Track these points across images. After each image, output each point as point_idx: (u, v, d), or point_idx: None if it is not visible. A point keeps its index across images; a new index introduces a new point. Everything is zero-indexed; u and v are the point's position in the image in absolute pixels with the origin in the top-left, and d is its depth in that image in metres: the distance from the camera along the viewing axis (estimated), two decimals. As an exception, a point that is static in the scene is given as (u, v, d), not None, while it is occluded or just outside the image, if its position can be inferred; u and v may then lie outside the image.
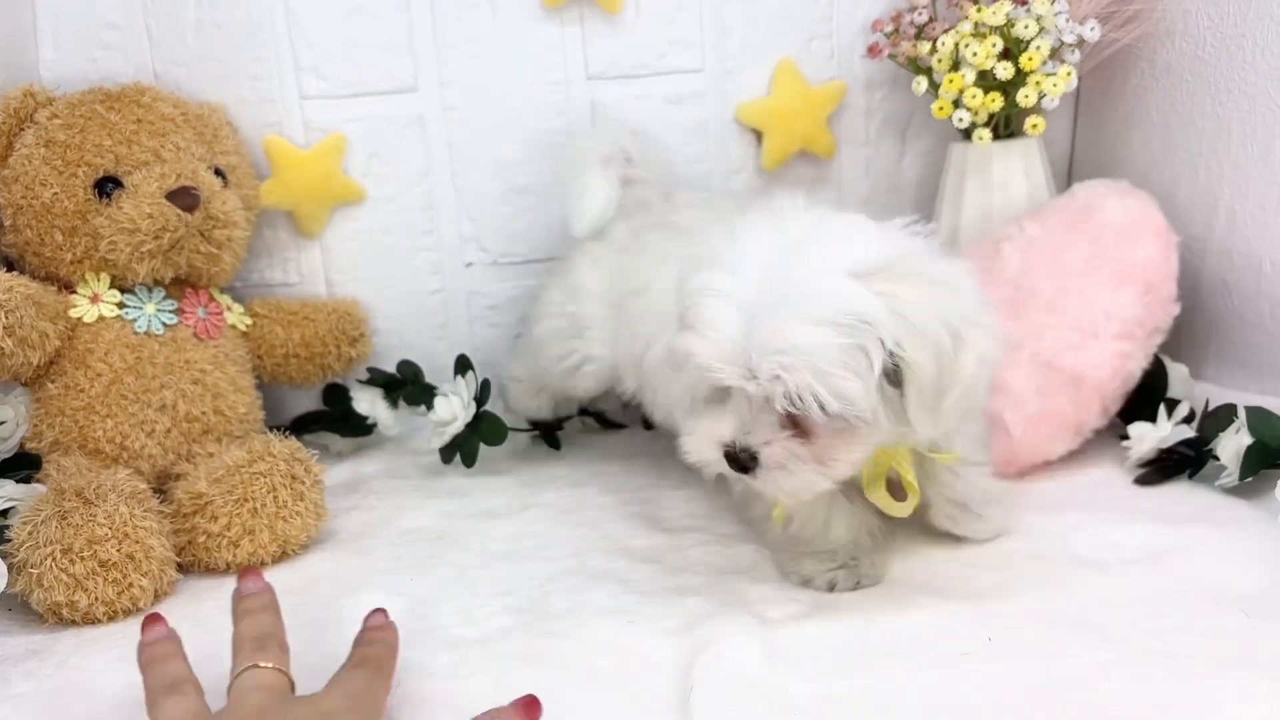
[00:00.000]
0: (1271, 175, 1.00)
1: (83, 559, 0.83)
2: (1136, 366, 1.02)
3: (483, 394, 1.13)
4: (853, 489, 0.86)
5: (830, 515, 0.87)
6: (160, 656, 0.66)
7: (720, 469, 0.78)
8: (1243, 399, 1.00)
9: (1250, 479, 0.92)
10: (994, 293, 1.02)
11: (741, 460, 0.76)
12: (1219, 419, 0.98)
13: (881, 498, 0.84)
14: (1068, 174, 1.33)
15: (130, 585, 0.85)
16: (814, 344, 0.71)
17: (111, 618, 0.85)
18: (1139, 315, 1.00)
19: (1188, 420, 1.01)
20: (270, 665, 0.65)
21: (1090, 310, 0.99)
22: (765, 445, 0.76)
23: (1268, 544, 0.83)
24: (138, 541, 0.86)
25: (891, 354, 0.72)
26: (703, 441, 0.78)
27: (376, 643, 0.71)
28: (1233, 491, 0.93)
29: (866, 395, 0.72)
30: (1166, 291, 1.02)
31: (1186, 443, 0.99)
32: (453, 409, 1.12)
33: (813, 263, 0.73)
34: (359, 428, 1.24)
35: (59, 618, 0.85)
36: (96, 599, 0.84)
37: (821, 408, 0.71)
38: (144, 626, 0.69)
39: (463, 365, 1.16)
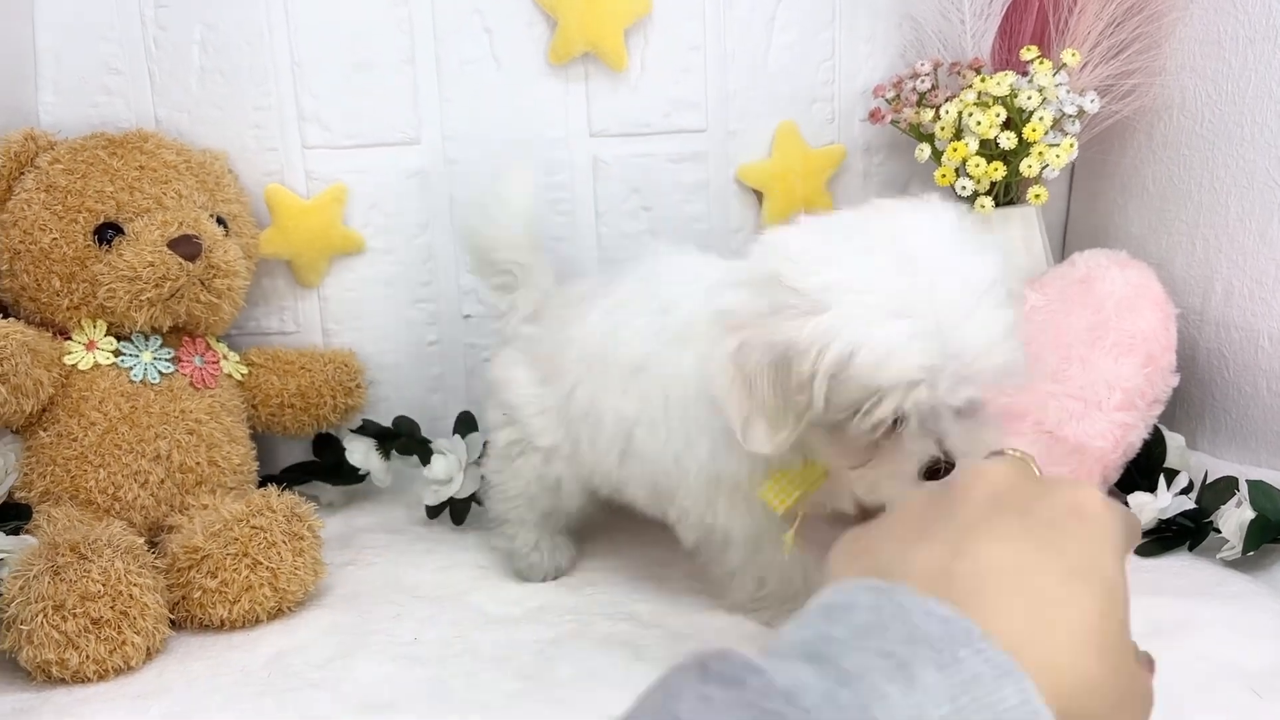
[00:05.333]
0: (1269, 251, 1.02)
1: (75, 616, 0.82)
2: (1137, 437, 1.02)
3: (484, 455, 1.13)
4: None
5: (804, 573, 0.86)
6: None
7: (899, 495, 0.70)
8: (1237, 470, 1.01)
9: (1252, 553, 0.92)
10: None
11: (944, 472, 0.69)
12: (1219, 491, 0.99)
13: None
14: (1062, 241, 1.34)
15: (123, 643, 0.83)
16: (1007, 329, 0.67)
17: (102, 676, 0.83)
18: (1140, 386, 1.01)
19: (1186, 491, 1.01)
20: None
21: (1093, 380, 1.00)
22: (969, 442, 0.69)
23: (1273, 620, 0.83)
24: (132, 598, 0.84)
25: None
26: (894, 476, 0.71)
27: None
28: (1234, 564, 0.94)
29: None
30: (1166, 363, 1.03)
31: (1186, 514, 0.99)
32: (449, 469, 1.11)
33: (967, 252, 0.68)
34: (350, 477, 1.22)
35: (48, 676, 0.82)
36: (88, 657, 0.82)
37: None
38: None
39: (465, 425, 1.15)
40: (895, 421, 0.69)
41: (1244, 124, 1.04)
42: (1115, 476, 1.04)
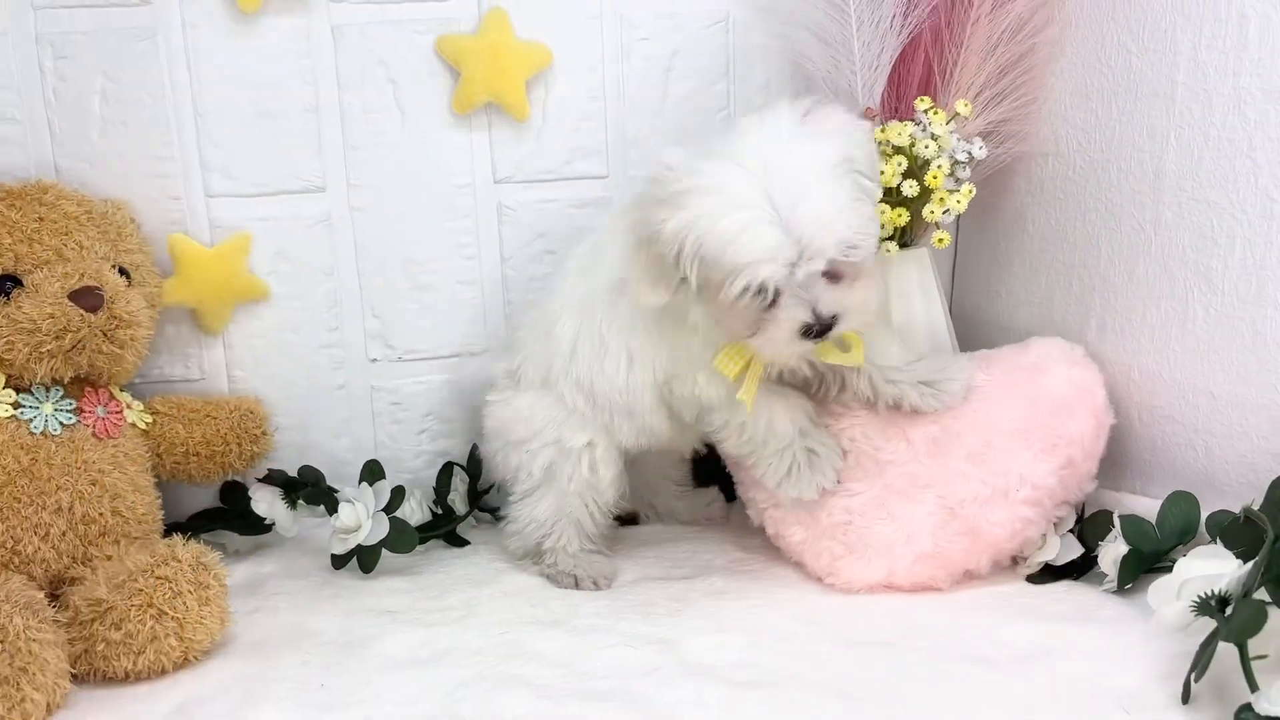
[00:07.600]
0: (1136, 290, 1.08)
1: (-27, 674, 0.81)
2: (1036, 533, 1.04)
3: (393, 502, 1.14)
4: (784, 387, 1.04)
5: (768, 421, 1.02)
6: None
7: (799, 351, 0.93)
8: (1116, 498, 1.08)
9: (1129, 585, 0.97)
10: (919, 429, 1.07)
11: (826, 327, 0.90)
12: (1098, 525, 1.04)
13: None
14: (951, 279, 1.40)
15: (23, 700, 0.82)
16: (841, 203, 0.87)
17: (1, 734, 0.83)
18: (1052, 487, 1.03)
19: (1072, 530, 1.06)
20: None
21: (1008, 470, 1.02)
22: (837, 304, 0.90)
23: (1145, 642, 0.87)
24: (31, 655, 0.83)
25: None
26: (779, 341, 0.91)
27: None
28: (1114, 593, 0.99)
29: (874, 226, 0.91)
30: (1086, 469, 1.05)
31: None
32: (357, 516, 1.12)
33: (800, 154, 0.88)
34: (256, 526, 1.22)
35: (-55, 735, 0.82)
36: (-14, 715, 0.81)
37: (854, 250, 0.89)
38: None
39: (372, 473, 1.16)
40: (771, 294, 0.89)
41: (1110, 170, 1.11)
42: (1005, 562, 1.06)
